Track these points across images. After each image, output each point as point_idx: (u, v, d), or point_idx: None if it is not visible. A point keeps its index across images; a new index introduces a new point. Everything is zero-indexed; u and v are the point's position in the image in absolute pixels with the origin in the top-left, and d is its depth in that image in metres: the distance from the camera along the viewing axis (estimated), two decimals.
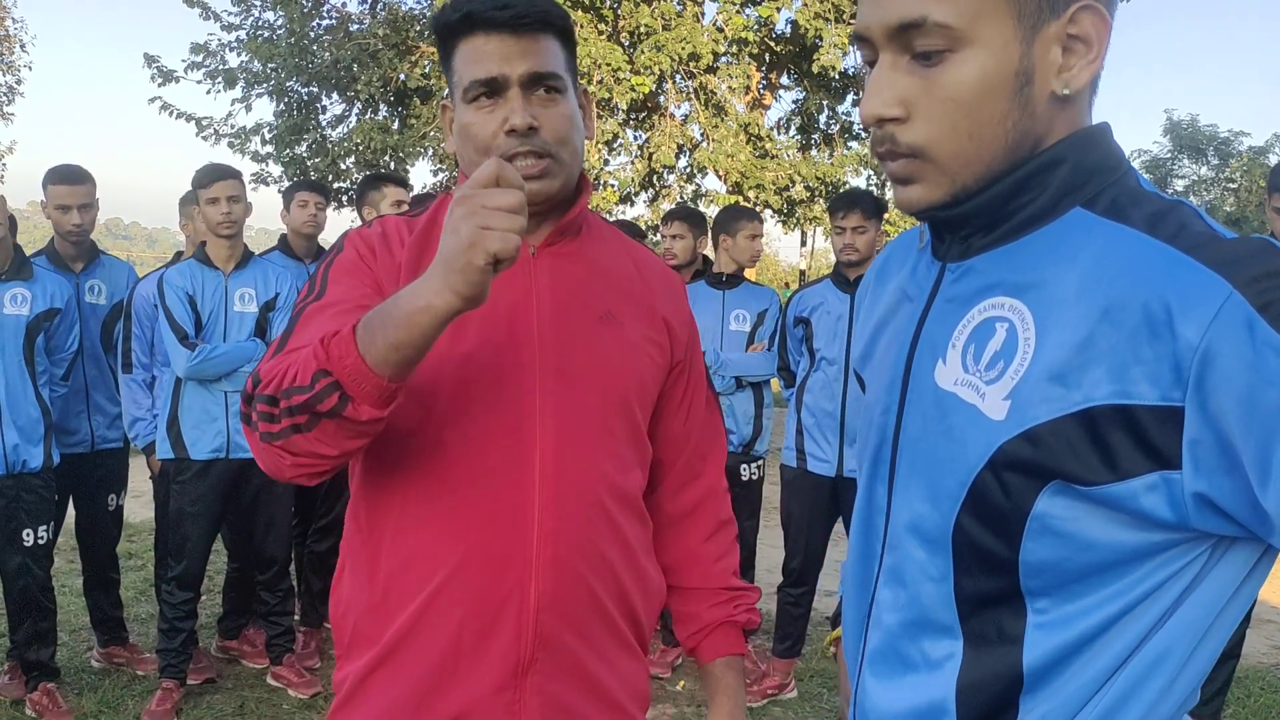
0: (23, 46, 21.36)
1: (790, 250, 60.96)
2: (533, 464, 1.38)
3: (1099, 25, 0.93)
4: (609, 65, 10.75)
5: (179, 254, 4.62)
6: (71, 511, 4.34)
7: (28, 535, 3.79)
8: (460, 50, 1.41)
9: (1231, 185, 28.07)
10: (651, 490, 1.60)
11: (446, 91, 1.51)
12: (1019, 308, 0.94)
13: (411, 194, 4.73)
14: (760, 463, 4.55)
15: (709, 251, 4.94)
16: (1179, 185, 30.99)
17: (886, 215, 4.21)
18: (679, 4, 11.03)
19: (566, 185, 1.44)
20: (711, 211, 12.07)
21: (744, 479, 4.49)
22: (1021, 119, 0.93)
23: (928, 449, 1.00)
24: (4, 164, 21.90)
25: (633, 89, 10.91)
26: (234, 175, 3.90)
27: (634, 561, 1.50)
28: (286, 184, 13.48)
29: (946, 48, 0.91)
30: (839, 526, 4.25)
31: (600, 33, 11.14)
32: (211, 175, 3.88)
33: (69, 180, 4.09)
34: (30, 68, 21.86)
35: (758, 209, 12.38)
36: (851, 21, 10.91)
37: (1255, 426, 0.79)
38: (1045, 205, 0.96)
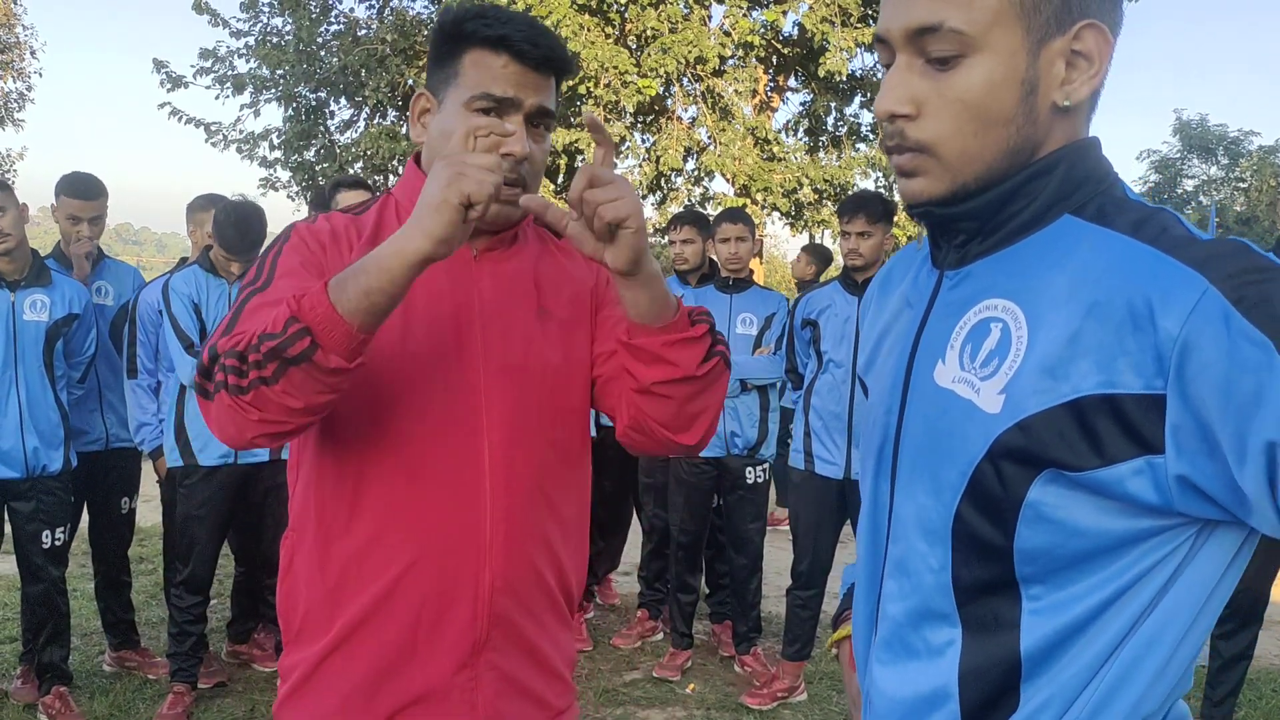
0: (33, 53, 21.43)
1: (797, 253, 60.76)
2: (482, 454, 1.47)
3: (1101, 43, 0.99)
4: (616, 69, 10.76)
5: (184, 259, 4.64)
6: (85, 515, 4.37)
7: (46, 537, 3.83)
8: (476, 56, 1.46)
9: (1241, 185, 27.99)
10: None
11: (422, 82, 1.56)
12: (1012, 308, 1.01)
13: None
14: (766, 466, 4.56)
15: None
16: (1189, 185, 30.91)
17: (895, 218, 4.22)
18: (686, 7, 11.03)
19: (524, 213, 1.51)
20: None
21: (750, 482, 4.50)
22: (1024, 125, 1.00)
23: (928, 444, 1.06)
24: (15, 170, 21.98)
25: (639, 92, 10.92)
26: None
27: (569, 538, 1.60)
28: (295, 190, 13.61)
29: (959, 53, 0.98)
30: (848, 529, 4.26)
31: (607, 36, 11.16)
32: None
33: (82, 195, 4.13)
34: (40, 74, 21.89)
35: (765, 211, 12.38)
36: (858, 25, 10.92)
37: (1232, 411, 0.85)
38: (1036, 213, 1.03)
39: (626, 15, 11.07)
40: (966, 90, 0.99)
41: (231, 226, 3.85)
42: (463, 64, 1.47)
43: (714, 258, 4.65)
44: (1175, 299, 0.88)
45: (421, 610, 1.46)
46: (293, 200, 14.14)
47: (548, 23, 10.44)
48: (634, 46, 11.59)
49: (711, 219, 4.83)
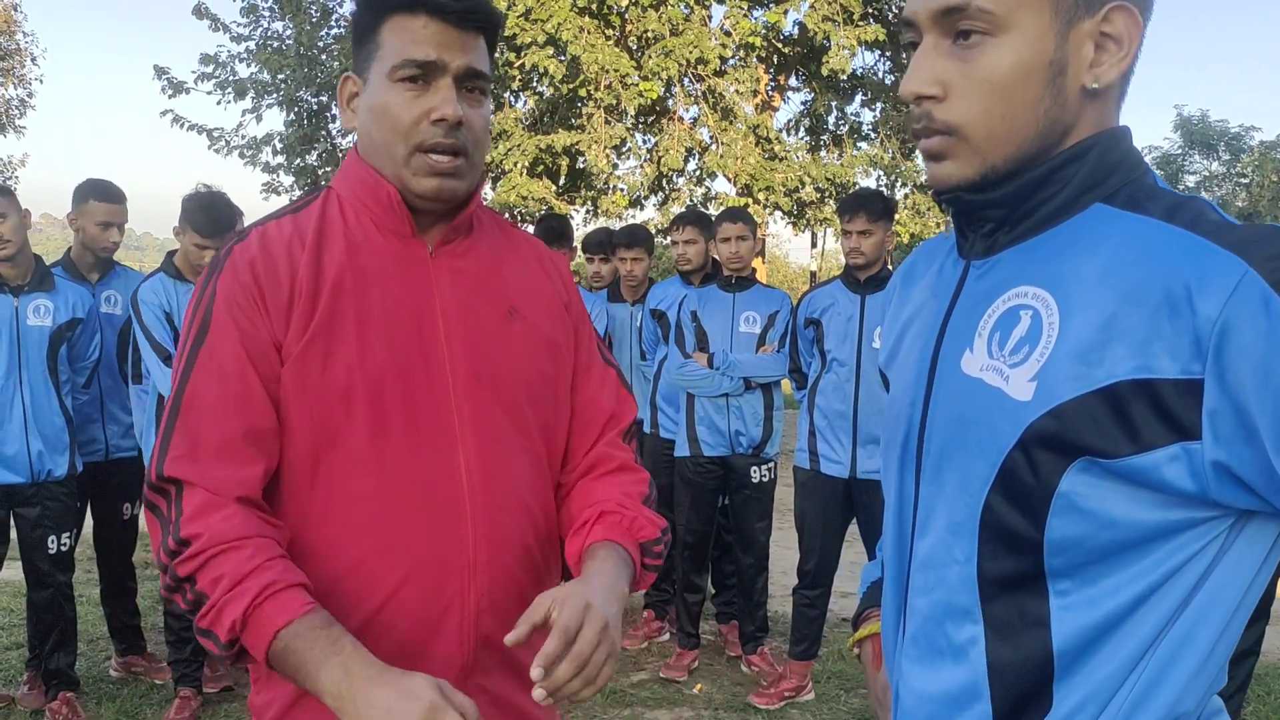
0: (34, 59, 21.42)
1: (800, 252, 60.92)
2: (459, 471, 1.38)
3: (1131, 26, 0.98)
4: (617, 71, 10.76)
5: (172, 253, 4.57)
6: (89, 521, 4.38)
7: (52, 542, 3.83)
8: (393, 24, 1.36)
9: (1243, 180, 27.93)
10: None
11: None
12: (1043, 295, 0.99)
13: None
14: (771, 465, 4.55)
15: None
16: (1190, 181, 30.83)
17: (896, 216, 4.22)
18: (686, 8, 11.03)
19: (471, 186, 1.43)
20: None
21: (755, 481, 4.50)
22: (1052, 107, 0.99)
23: (956, 434, 1.04)
24: (17, 176, 21.99)
25: (641, 95, 10.92)
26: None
27: (549, 549, 1.51)
28: (298, 193, 13.60)
29: (986, 31, 0.98)
30: (853, 528, 4.25)
31: (608, 38, 11.15)
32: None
33: (112, 199, 4.17)
34: (41, 80, 21.90)
35: (767, 211, 12.38)
36: (860, 23, 10.91)
37: (1270, 395, 0.84)
38: (1067, 200, 1.02)
39: (627, 17, 11.07)
40: (994, 71, 0.98)
41: (201, 212, 3.83)
42: (382, 34, 1.37)
43: (717, 257, 4.65)
44: (1214, 282, 0.87)
45: (407, 637, 1.37)
46: None
47: (548, 26, 10.44)
48: (634, 48, 11.59)
49: (713, 219, 4.84)
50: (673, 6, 10.86)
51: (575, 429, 1.55)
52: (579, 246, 6.37)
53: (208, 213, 3.82)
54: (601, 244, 5.35)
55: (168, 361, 3.71)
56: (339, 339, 1.35)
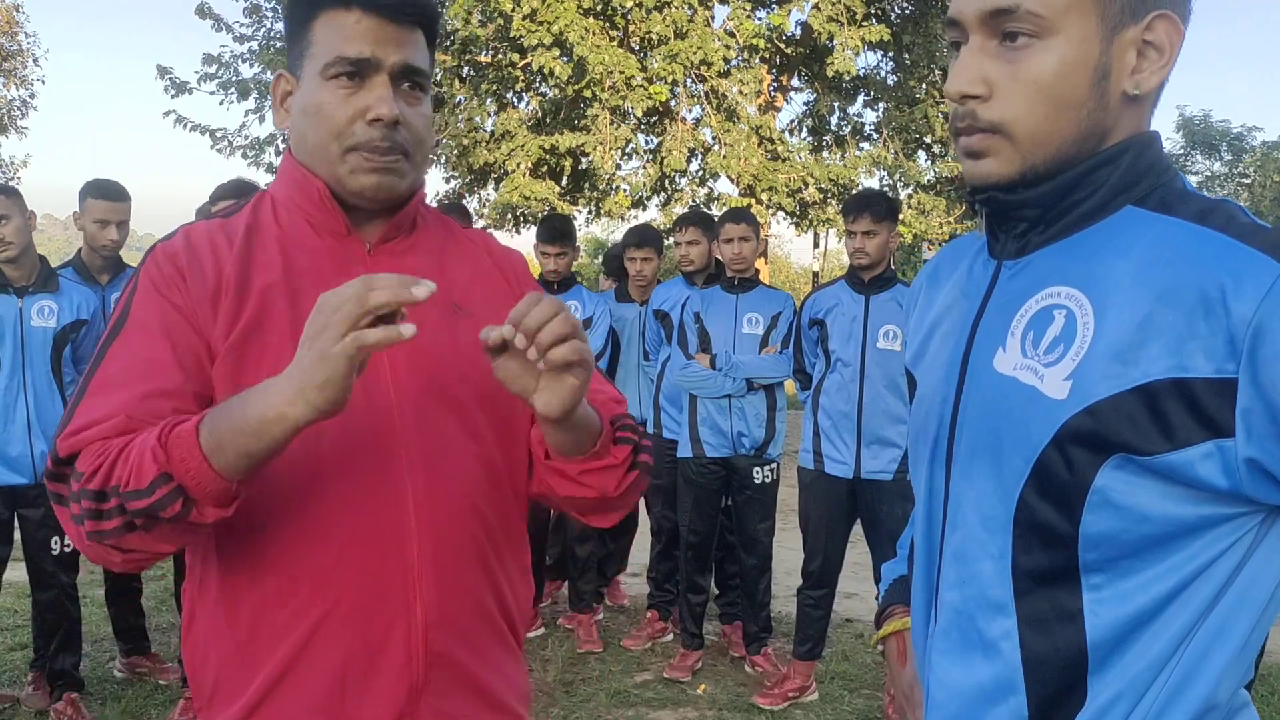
0: (35, 60, 21.42)
1: (802, 253, 60.88)
2: (402, 478, 1.29)
3: (1173, 34, 1.02)
4: (623, 73, 10.75)
5: None
6: None
7: (56, 543, 3.85)
8: (325, 20, 1.31)
9: (1245, 180, 27.91)
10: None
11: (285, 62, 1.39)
12: (1076, 295, 1.01)
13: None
14: (774, 465, 4.55)
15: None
16: (1192, 181, 30.74)
17: (900, 216, 4.22)
18: (689, 10, 11.02)
19: (412, 186, 1.38)
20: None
21: (757, 482, 4.50)
22: (1095, 110, 1.02)
23: (989, 431, 1.06)
24: (19, 177, 21.97)
25: (649, 97, 10.91)
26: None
27: (506, 559, 1.42)
28: None
29: (1033, 33, 1.00)
30: (857, 529, 4.26)
31: (612, 39, 11.15)
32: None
33: (111, 197, 4.16)
34: (43, 81, 21.91)
35: (770, 211, 12.38)
36: (864, 24, 10.90)
37: None
38: (1100, 202, 1.04)
39: (630, 18, 11.06)
40: (1040, 72, 1.00)
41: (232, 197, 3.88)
42: (314, 29, 1.31)
43: (720, 257, 4.65)
44: (1248, 283, 0.89)
45: (348, 658, 1.27)
46: None
47: (554, 29, 10.43)
48: (637, 48, 11.59)
49: (716, 219, 4.84)
50: (677, 9, 10.85)
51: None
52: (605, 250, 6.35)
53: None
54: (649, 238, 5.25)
55: None
56: (270, 339, 1.28)
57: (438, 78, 12.43)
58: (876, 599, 4.32)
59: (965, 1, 1.03)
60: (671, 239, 4.89)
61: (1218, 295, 0.90)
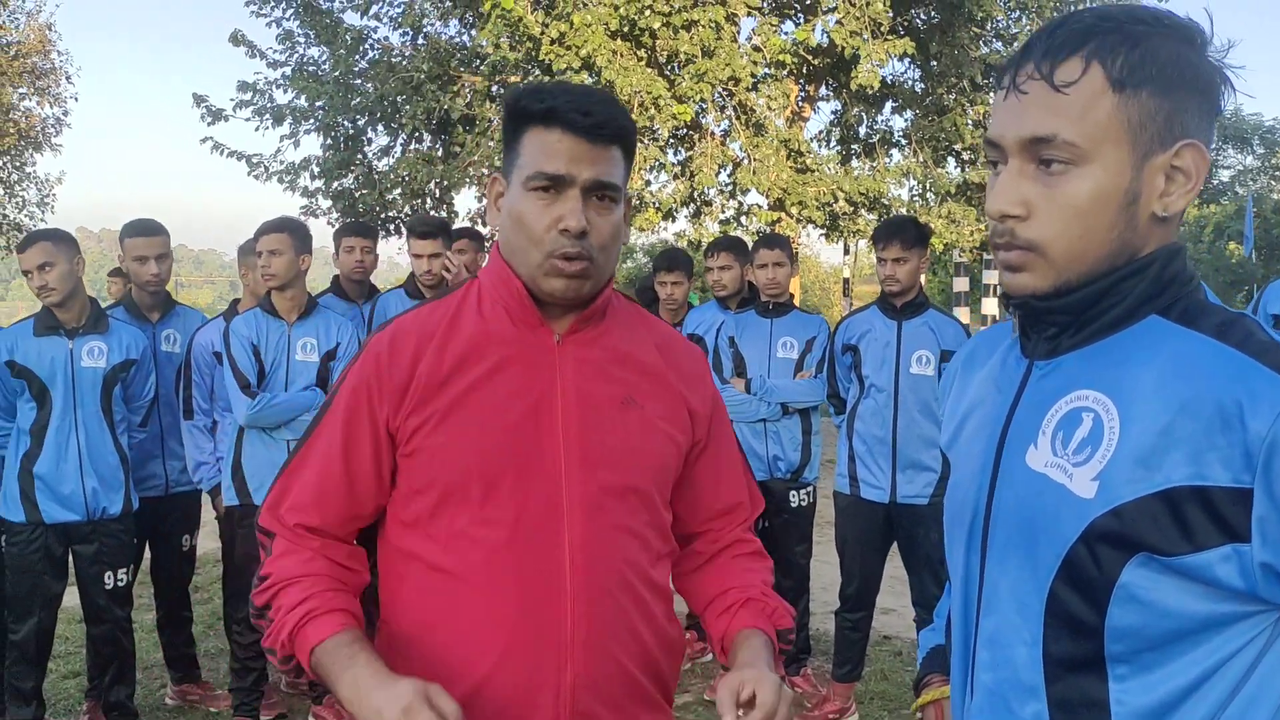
0: (69, 78, 21.61)
1: (831, 252, 60.58)
2: (562, 551, 1.46)
3: (1199, 162, 1.08)
4: (650, 94, 10.79)
5: (236, 301, 4.75)
6: (146, 553, 4.48)
7: (109, 578, 3.94)
8: (532, 136, 1.47)
9: (1278, 174, 27.52)
10: (685, 545, 1.70)
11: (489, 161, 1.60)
12: (1103, 400, 1.07)
13: (454, 226, 4.82)
14: (810, 489, 4.58)
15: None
16: (1225, 175, 30.43)
17: (930, 241, 4.25)
18: (715, 27, 11.05)
19: (597, 286, 1.52)
20: (755, 228, 12.07)
21: (794, 505, 4.53)
22: (1125, 230, 1.08)
23: (1022, 523, 1.12)
24: (54, 194, 22.22)
25: (674, 117, 10.94)
26: (277, 229, 4.03)
27: (657, 627, 1.58)
28: (335, 216, 13.79)
29: (1070, 161, 1.06)
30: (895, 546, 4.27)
31: (640, 59, 11.21)
32: (259, 230, 4.07)
33: (144, 233, 4.28)
34: (76, 99, 22.08)
35: (800, 225, 12.37)
36: (889, 37, 10.89)
37: None
38: (1126, 310, 1.11)
39: (657, 36, 11.10)
40: (1075, 197, 1.06)
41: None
42: (522, 144, 1.48)
43: (753, 281, 4.69)
44: (1263, 402, 0.96)
45: (503, 712, 1.45)
46: (333, 226, 14.31)
47: (582, 53, 10.49)
48: (663, 63, 11.63)
49: (749, 245, 4.88)
50: (704, 28, 10.88)
51: (707, 506, 1.68)
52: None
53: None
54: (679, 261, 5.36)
55: (246, 390, 3.91)
56: (460, 419, 1.48)
57: (469, 99, 12.56)
58: (915, 620, 4.34)
59: (1006, 125, 1.10)
60: (704, 263, 4.93)
61: (1235, 411, 0.97)
